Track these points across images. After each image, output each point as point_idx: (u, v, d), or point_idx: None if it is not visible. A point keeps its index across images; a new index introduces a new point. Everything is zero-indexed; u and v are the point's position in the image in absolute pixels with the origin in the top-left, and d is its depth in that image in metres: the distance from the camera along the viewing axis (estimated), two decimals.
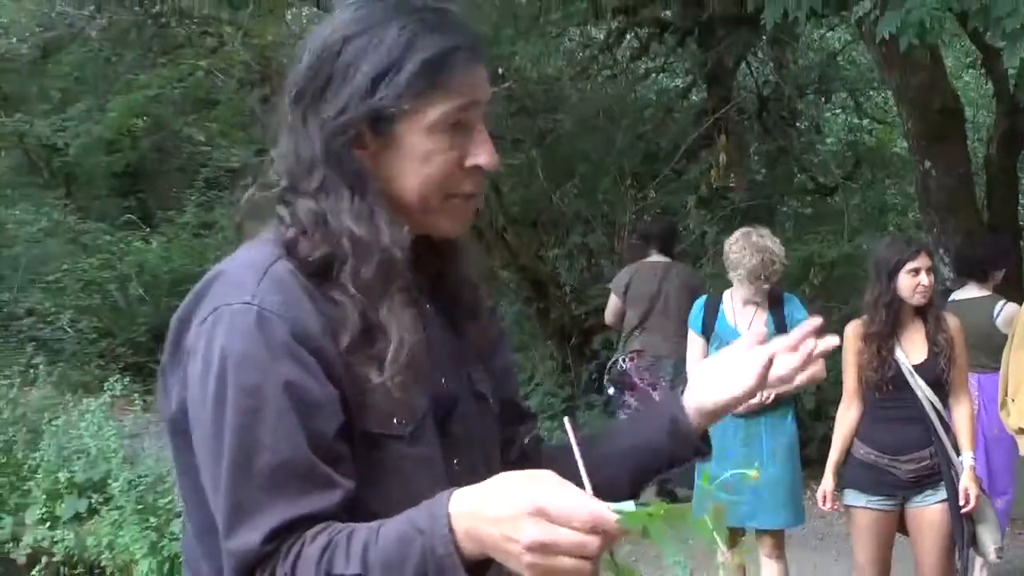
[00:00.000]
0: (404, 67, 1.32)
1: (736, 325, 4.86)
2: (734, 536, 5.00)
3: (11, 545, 7.08)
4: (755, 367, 1.50)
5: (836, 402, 4.55)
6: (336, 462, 1.27)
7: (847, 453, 4.40)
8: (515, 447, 1.62)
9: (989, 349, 5.13)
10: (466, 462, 1.42)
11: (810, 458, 5.90)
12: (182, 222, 13.82)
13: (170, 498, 6.52)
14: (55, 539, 6.89)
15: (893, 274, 4.18)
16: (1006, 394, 4.53)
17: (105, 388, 8.05)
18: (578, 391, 9.23)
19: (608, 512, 1.09)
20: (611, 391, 7.11)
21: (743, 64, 11.59)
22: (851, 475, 4.38)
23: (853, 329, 4.34)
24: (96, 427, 7.38)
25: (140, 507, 6.50)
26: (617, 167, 10.08)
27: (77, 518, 6.98)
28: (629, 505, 1.10)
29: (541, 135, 10.43)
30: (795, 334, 1.55)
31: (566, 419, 1.29)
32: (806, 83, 12.35)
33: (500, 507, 1.12)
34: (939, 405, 4.23)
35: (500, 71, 9.12)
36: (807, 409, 7.43)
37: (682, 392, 1.58)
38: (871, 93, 13.56)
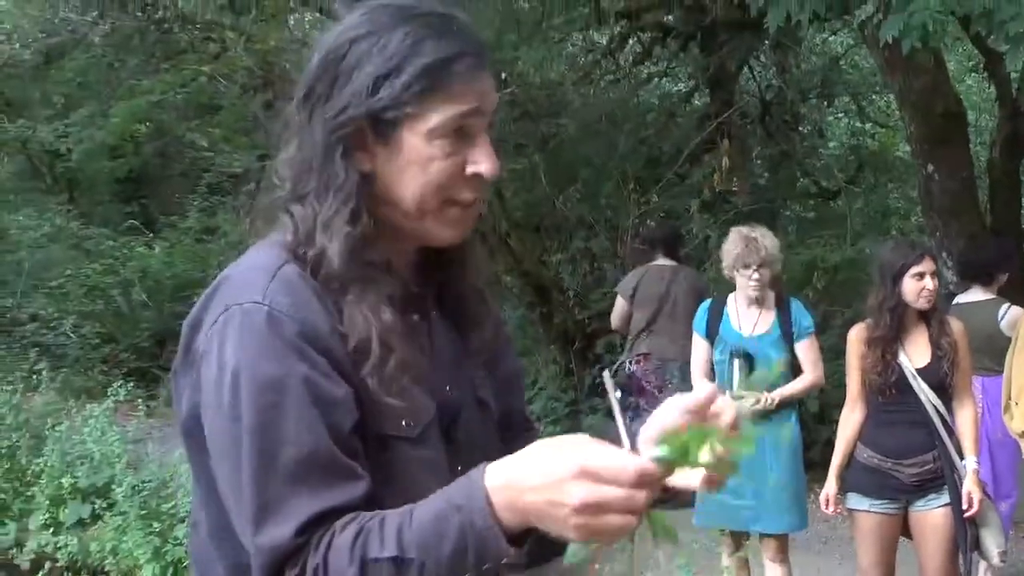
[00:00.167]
0: (406, 70, 1.34)
1: (740, 328, 4.86)
2: (738, 540, 5.01)
3: (15, 551, 7.09)
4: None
5: (840, 406, 4.55)
6: (355, 456, 1.28)
7: (850, 457, 4.40)
8: None
9: (993, 352, 5.13)
10: (469, 468, 1.42)
11: (814, 462, 5.90)
12: (185, 227, 13.84)
13: (173, 503, 6.53)
14: (59, 545, 6.90)
15: (897, 278, 4.18)
16: (1009, 397, 4.53)
17: (108, 393, 8.06)
18: (581, 395, 9.23)
19: (650, 464, 1.11)
20: (617, 394, 7.09)
21: (745, 68, 11.58)
22: (854, 479, 4.38)
23: (857, 333, 4.34)
24: (99, 432, 7.39)
25: (144, 512, 6.50)
26: (620, 172, 10.08)
27: (81, 523, 6.98)
28: (664, 448, 1.12)
29: (544, 140, 10.44)
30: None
31: (605, 372, 1.31)
32: (809, 87, 12.35)
33: (541, 474, 1.13)
34: (942, 409, 4.22)
35: (503, 76, 9.13)
36: (811, 412, 7.43)
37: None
38: (873, 97, 13.55)
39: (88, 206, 16.40)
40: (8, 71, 13.93)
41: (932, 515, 4.23)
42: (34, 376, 9.23)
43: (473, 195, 1.40)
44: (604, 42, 11.42)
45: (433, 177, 1.36)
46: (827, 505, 4.43)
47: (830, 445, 4.61)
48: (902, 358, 4.22)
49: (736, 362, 4.78)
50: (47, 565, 6.88)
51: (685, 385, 5.46)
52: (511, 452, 1.60)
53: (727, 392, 4.74)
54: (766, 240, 4.82)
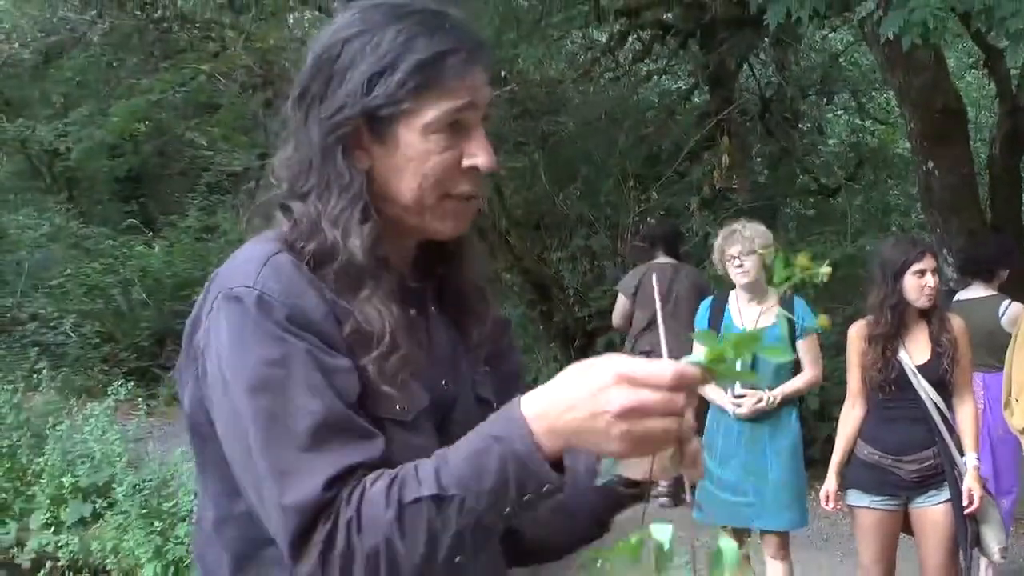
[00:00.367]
0: (399, 67, 1.35)
1: (743, 325, 4.86)
2: (739, 537, 5.00)
3: (16, 550, 7.10)
4: None
5: (840, 402, 4.55)
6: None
7: (850, 453, 4.40)
8: None
9: (994, 349, 5.13)
10: None
11: (814, 459, 5.90)
12: (184, 226, 13.84)
13: (174, 502, 6.53)
14: (60, 544, 6.91)
15: (898, 275, 4.17)
16: (1009, 394, 4.53)
17: (109, 392, 8.06)
18: None
19: (688, 366, 1.11)
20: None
21: (745, 66, 11.58)
22: (854, 475, 4.38)
23: (857, 330, 4.34)
24: (100, 431, 7.40)
25: (144, 511, 6.51)
26: (620, 169, 10.08)
27: (82, 522, 6.99)
28: (700, 355, 1.12)
29: (544, 138, 10.44)
30: None
31: (654, 275, 1.32)
32: (808, 84, 12.36)
33: (578, 390, 1.14)
34: (942, 405, 4.22)
35: (503, 74, 9.12)
36: (811, 410, 7.43)
37: None
38: (873, 94, 13.55)
39: (87, 205, 16.42)
40: (7, 70, 13.92)
41: (932, 511, 4.23)
42: (34, 375, 9.24)
43: (470, 188, 1.41)
44: (604, 40, 11.41)
45: (430, 172, 1.38)
46: (827, 501, 4.43)
47: (831, 442, 4.61)
48: (902, 355, 4.21)
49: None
50: (48, 564, 6.89)
51: None
52: None
53: (729, 391, 4.75)
54: (746, 231, 4.82)
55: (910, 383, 4.21)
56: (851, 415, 4.40)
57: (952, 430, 4.22)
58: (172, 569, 6.28)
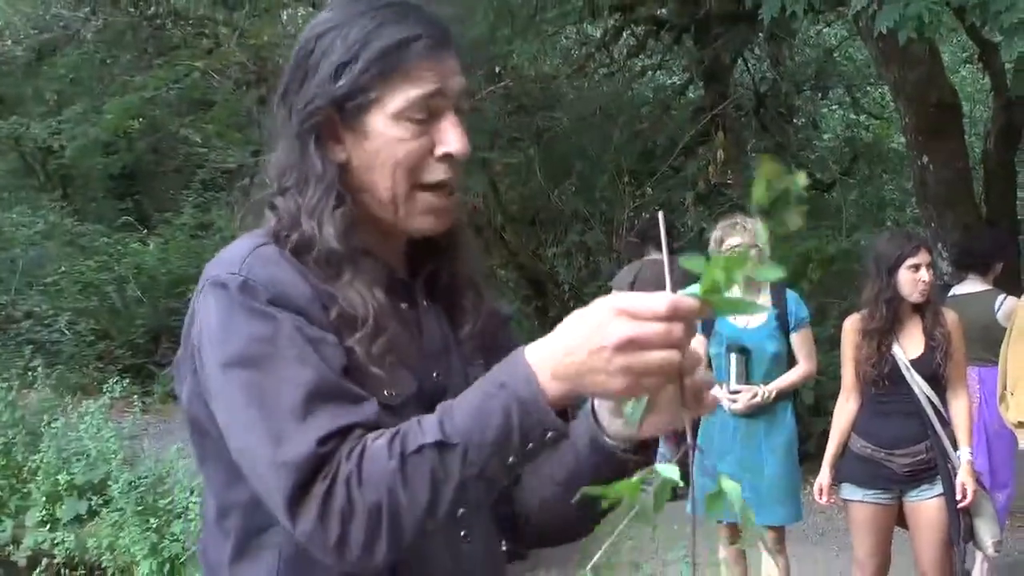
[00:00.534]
0: (362, 56, 1.37)
1: (736, 321, 4.86)
2: (735, 531, 5.01)
3: (12, 548, 7.09)
4: None
5: (835, 397, 4.56)
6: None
7: (844, 447, 4.40)
8: None
9: (989, 343, 5.13)
10: None
11: (809, 453, 5.91)
12: (179, 223, 13.83)
13: (170, 499, 6.52)
14: (55, 541, 6.89)
15: (893, 270, 4.17)
16: (1005, 388, 4.54)
17: (104, 390, 8.05)
18: None
19: (684, 297, 1.12)
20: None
21: (740, 61, 11.59)
22: (848, 469, 4.39)
23: (852, 324, 4.35)
24: (95, 429, 7.38)
25: (140, 508, 6.50)
26: (615, 164, 10.09)
27: (77, 520, 6.98)
28: (694, 288, 1.12)
29: (538, 133, 10.44)
30: None
31: (659, 213, 1.32)
32: (803, 79, 12.36)
33: (577, 332, 1.14)
34: (936, 400, 4.22)
35: (497, 70, 9.13)
36: (806, 404, 7.44)
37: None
38: (868, 89, 13.57)
39: (82, 203, 16.39)
40: (0, 68, 13.90)
41: (926, 505, 4.24)
42: (29, 373, 9.23)
43: (443, 176, 1.41)
44: (598, 35, 11.42)
45: (402, 159, 1.38)
46: (820, 495, 4.44)
47: (826, 437, 4.61)
48: (896, 349, 4.22)
49: (732, 356, 4.78)
50: (44, 562, 6.87)
51: None
52: None
53: (724, 386, 4.76)
54: (748, 224, 4.81)
55: (903, 377, 4.21)
56: (845, 409, 4.41)
57: (945, 424, 4.23)
58: (168, 566, 6.27)
